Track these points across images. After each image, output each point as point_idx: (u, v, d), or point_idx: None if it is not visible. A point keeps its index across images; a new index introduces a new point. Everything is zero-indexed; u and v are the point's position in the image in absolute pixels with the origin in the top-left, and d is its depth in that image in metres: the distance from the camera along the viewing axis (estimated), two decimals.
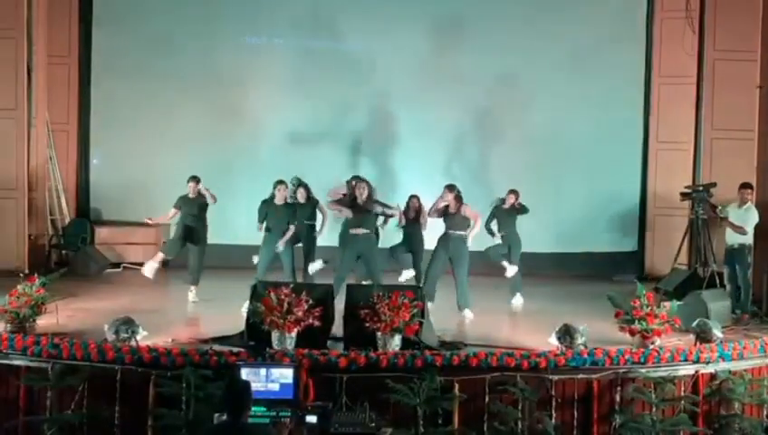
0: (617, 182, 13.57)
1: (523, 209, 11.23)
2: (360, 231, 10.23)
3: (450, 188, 10.46)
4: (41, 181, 12.92)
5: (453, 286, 10.37)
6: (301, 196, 10.90)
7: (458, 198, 10.41)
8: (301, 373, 7.12)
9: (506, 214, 11.19)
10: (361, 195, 10.30)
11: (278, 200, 10.58)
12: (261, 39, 13.77)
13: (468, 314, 10.20)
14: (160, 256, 10.97)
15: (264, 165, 13.37)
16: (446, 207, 10.39)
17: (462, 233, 10.39)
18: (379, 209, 10.44)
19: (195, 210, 11.00)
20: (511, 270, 10.92)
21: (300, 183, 11.02)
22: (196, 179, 11.02)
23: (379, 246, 10.80)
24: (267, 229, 10.55)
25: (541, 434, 7.57)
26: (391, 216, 10.66)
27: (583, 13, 13.54)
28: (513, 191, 11.24)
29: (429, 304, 10.02)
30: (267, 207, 10.58)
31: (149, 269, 10.84)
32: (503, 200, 11.25)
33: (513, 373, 7.67)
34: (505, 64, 13.58)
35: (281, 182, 10.68)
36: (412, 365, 7.64)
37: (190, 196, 11.01)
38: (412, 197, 11.04)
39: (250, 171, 13.40)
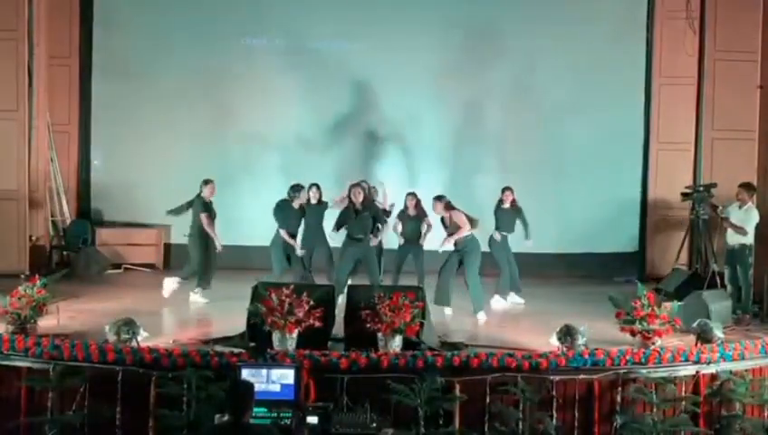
0: (618, 183, 13.58)
1: (520, 211, 11.24)
2: (360, 236, 10.28)
3: (439, 198, 10.53)
4: (42, 182, 12.93)
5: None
6: (313, 197, 10.86)
7: (448, 206, 10.46)
8: (302, 374, 7.12)
9: (508, 214, 11.19)
10: (357, 200, 10.33)
11: (295, 204, 10.69)
12: (261, 40, 13.78)
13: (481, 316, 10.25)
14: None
15: (265, 166, 13.40)
16: (442, 218, 10.48)
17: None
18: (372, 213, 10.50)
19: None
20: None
21: (312, 184, 11.01)
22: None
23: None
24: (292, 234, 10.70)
25: None
26: (382, 223, 10.70)
27: (584, 13, 13.53)
28: (508, 188, 11.24)
29: (448, 310, 10.18)
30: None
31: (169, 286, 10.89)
32: (501, 200, 11.25)
33: (515, 374, 7.67)
34: (505, 65, 13.59)
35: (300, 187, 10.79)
36: (413, 366, 7.64)
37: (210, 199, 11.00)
38: (409, 194, 11.03)
39: (250, 172, 13.41)
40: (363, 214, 10.40)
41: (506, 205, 11.20)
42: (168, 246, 13.66)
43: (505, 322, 10.24)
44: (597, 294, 10.29)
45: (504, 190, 11.25)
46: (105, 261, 13.13)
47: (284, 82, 13.68)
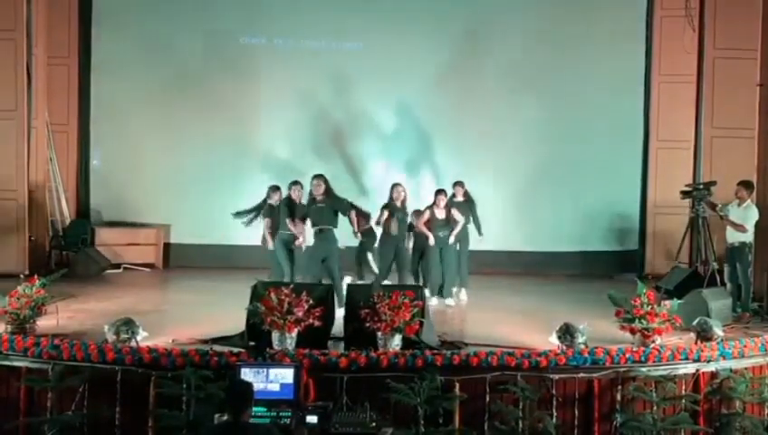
0: (617, 181, 13.58)
1: (473, 203, 11.30)
2: (324, 227, 10.13)
3: (445, 193, 10.86)
4: (41, 182, 12.92)
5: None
6: (296, 195, 10.60)
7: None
8: (301, 373, 7.12)
9: (461, 207, 11.22)
10: (317, 192, 10.15)
11: (296, 200, 10.55)
12: (259, 39, 13.77)
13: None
14: None
15: (264, 165, 13.37)
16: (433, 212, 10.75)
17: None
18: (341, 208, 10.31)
19: None
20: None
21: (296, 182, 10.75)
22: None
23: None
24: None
25: (542, 433, 7.57)
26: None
27: (583, 12, 13.53)
28: (459, 183, 11.34)
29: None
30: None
31: None
32: (453, 194, 11.28)
33: (514, 373, 7.66)
34: (504, 63, 13.59)
35: (295, 183, 10.61)
36: (413, 365, 7.63)
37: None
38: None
39: (250, 172, 13.39)
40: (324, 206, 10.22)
41: (458, 198, 11.24)
42: (167, 246, 13.66)
43: (504, 320, 10.25)
44: (597, 293, 10.28)
45: (454, 185, 11.35)
46: (104, 261, 13.12)
47: (282, 81, 13.66)
